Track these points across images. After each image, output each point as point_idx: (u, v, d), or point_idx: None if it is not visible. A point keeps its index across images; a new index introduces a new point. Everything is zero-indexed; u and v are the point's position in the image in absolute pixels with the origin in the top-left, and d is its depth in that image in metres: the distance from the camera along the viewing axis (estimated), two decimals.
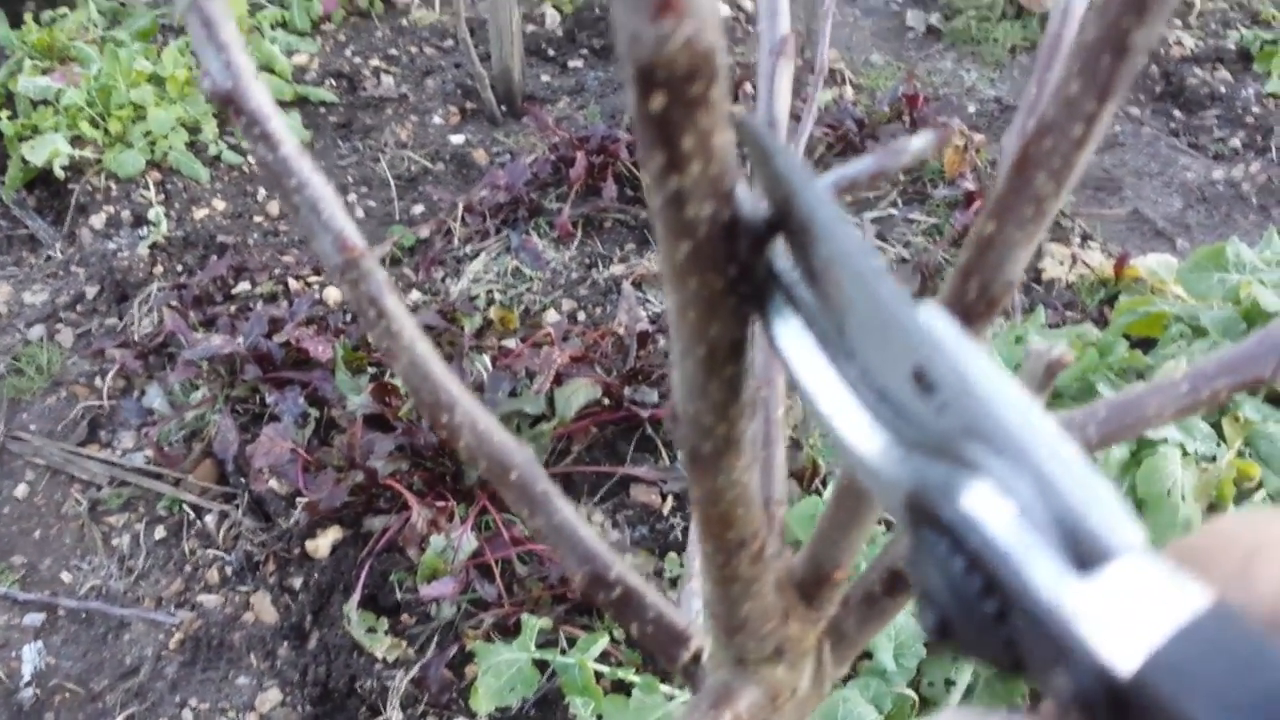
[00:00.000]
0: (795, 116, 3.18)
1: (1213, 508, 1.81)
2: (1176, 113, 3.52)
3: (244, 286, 2.78)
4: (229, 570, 2.24)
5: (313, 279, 2.81)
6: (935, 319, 0.29)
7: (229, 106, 0.52)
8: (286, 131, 0.54)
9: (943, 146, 3.16)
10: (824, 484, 2.21)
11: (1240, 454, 1.86)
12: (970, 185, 2.94)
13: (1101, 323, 2.48)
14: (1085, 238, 2.87)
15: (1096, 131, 0.38)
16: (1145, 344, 2.28)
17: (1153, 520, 1.79)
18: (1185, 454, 1.84)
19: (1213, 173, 3.23)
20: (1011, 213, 0.41)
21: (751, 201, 0.36)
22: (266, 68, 3.53)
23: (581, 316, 2.75)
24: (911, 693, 1.65)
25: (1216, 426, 1.88)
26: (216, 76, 0.50)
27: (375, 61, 3.83)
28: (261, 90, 0.54)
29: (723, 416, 0.45)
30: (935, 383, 0.28)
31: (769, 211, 0.37)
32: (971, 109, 3.56)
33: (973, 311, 0.45)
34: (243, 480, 2.33)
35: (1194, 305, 2.25)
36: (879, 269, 0.31)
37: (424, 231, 3.06)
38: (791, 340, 0.36)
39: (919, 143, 0.40)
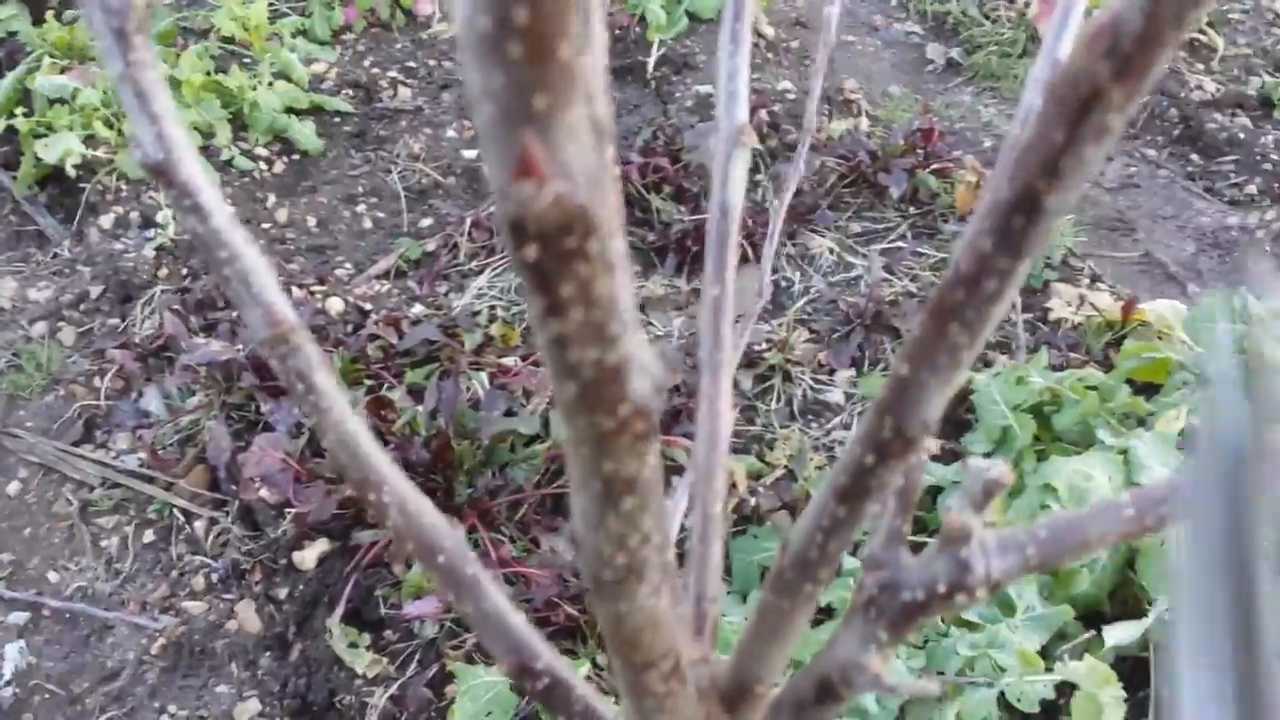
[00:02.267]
0: (814, 148, 3.13)
1: None
2: (1194, 157, 3.49)
3: None
4: (215, 578, 2.23)
5: (316, 288, 2.81)
6: None
7: (161, 178, 0.51)
8: (218, 203, 0.53)
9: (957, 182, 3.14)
10: None
11: None
12: None
13: (1106, 366, 2.45)
14: (1094, 279, 2.84)
15: (1012, 285, 0.38)
16: (1149, 389, 2.26)
17: (1150, 576, 1.76)
18: None
19: (1228, 218, 3.20)
20: (927, 359, 0.41)
21: (660, 354, 0.36)
22: (284, 75, 3.53)
23: None
24: None
25: None
26: (148, 148, 0.50)
27: (393, 73, 3.84)
28: (194, 161, 0.53)
29: (622, 546, 0.45)
30: None
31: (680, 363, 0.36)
32: (987, 144, 3.54)
33: (889, 450, 0.45)
34: (234, 488, 2.32)
35: (1200, 353, 2.23)
36: None
37: (431, 245, 3.06)
38: None
39: None
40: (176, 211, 0.52)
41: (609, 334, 0.34)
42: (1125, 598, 1.87)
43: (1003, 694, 1.63)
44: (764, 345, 2.69)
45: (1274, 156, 3.44)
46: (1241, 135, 3.52)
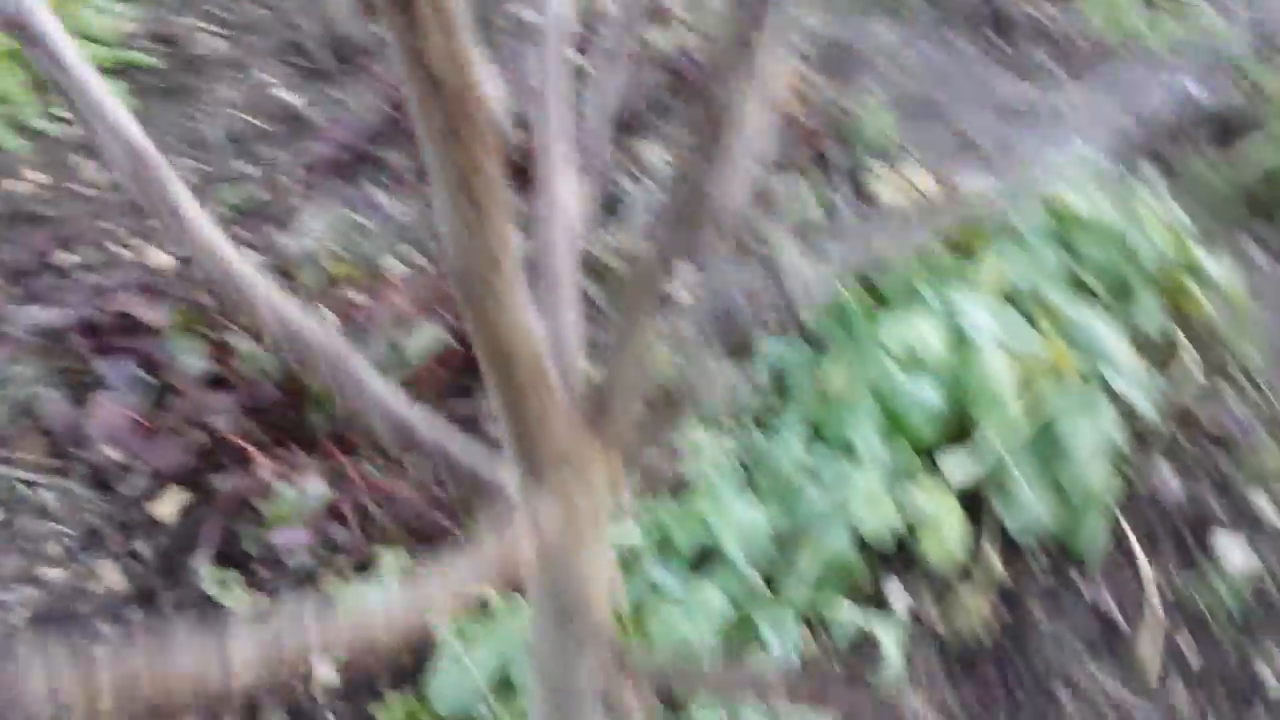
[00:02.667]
0: (637, 59, 3.15)
1: (1034, 397, 1.91)
2: (1000, 41, 3.66)
3: (66, 257, 2.67)
4: (71, 543, 2.17)
5: (135, 242, 2.72)
6: None
7: (16, 29, 0.53)
8: (71, 50, 0.55)
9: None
10: None
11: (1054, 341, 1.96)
12: (811, 126, 3.02)
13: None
14: (910, 159, 2.97)
15: (756, 59, 0.43)
16: (967, 253, 2.38)
17: (982, 415, 1.87)
18: (1004, 349, 1.94)
19: (1033, 96, 3.38)
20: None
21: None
22: (85, 35, 3.37)
23: (426, 265, 2.73)
24: (762, 584, 1.69)
25: (1030, 318, 1.99)
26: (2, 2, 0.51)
27: (200, 22, 3.70)
28: (45, 11, 0.54)
29: (492, 260, 0.49)
30: None
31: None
32: (812, 52, 3.63)
33: (691, 163, 0.50)
34: (77, 451, 2.25)
35: (1013, 215, 2.36)
36: None
37: (257, 191, 2.98)
38: None
39: None
40: (36, 63, 0.54)
41: (461, 52, 0.39)
42: (961, 433, 1.97)
43: (855, 532, 1.73)
44: (607, 252, 2.72)
45: (1076, 39, 3.64)
46: (1044, 20, 3.71)
